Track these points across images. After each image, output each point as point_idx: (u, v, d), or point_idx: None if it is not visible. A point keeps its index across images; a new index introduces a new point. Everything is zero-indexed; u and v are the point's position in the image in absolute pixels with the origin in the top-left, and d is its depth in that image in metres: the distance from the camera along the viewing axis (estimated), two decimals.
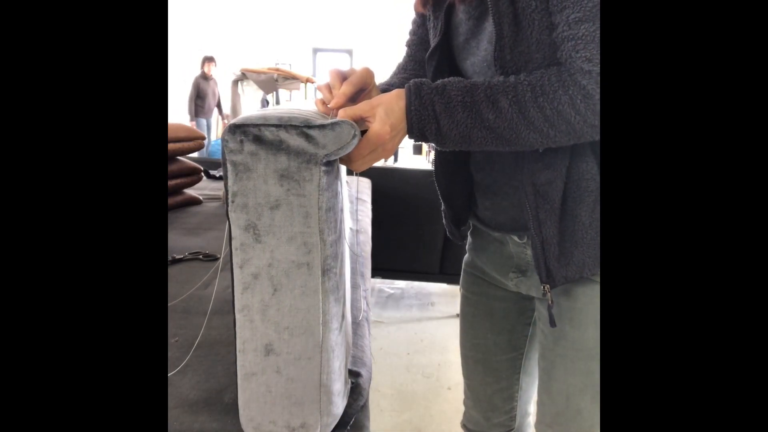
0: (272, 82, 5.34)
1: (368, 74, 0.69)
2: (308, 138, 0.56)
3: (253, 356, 0.62)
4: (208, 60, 6.45)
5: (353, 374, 0.77)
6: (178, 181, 1.91)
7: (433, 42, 0.80)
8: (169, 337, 0.90)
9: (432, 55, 0.78)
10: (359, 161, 0.64)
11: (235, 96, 6.02)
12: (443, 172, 0.86)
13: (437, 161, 0.86)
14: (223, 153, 0.57)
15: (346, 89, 0.66)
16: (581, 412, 0.79)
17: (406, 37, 0.91)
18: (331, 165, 0.59)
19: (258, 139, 0.56)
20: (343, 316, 0.67)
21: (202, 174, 2.04)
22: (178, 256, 1.35)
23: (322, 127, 0.56)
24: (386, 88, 0.82)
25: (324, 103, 0.68)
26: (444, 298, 3.02)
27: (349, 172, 1.26)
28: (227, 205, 0.58)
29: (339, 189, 0.64)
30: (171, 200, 1.89)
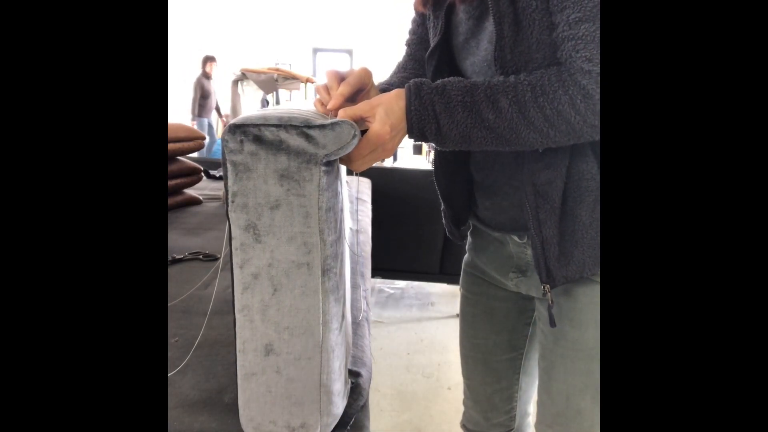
0: (272, 82, 5.33)
1: (366, 74, 0.69)
2: (308, 138, 0.56)
3: (253, 356, 0.62)
4: (210, 59, 6.45)
5: (353, 374, 0.77)
6: (178, 181, 1.91)
7: (432, 41, 0.80)
8: (169, 337, 0.90)
9: (432, 55, 0.78)
10: (359, 161, 0.64)
11: (235, 96, 6.01)
12: (443, 172, 0.86)
13: (437, 161, 0.86)
14: (223, 153, 0.57)
15: (343, 90, 0.66)
16: (581, 412, 0.79)
17: (406, 36, 0.91)
18: (331, 165, 0.59)
19: (258, 139, 0.56)
20: (343, 316, 0.67)
21: (202, 174, 2.04)
22: (178, 256, 1.35)
23: (322, 127, 0.56)
24: (386, 87, 0.82)
25: (322, 104, 0.68)
26: (444, 298, 3.01)
27: (349, 172, 1.25)
28: (227, 205, 0.58)
29: (339, 189, 0.64)
30: (171, 200, 1.89)
